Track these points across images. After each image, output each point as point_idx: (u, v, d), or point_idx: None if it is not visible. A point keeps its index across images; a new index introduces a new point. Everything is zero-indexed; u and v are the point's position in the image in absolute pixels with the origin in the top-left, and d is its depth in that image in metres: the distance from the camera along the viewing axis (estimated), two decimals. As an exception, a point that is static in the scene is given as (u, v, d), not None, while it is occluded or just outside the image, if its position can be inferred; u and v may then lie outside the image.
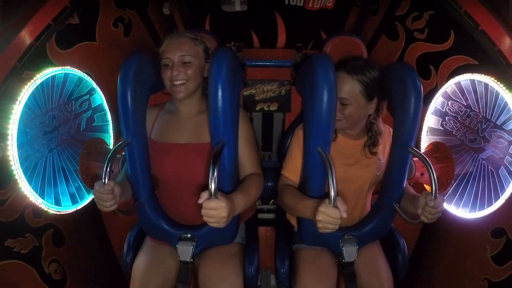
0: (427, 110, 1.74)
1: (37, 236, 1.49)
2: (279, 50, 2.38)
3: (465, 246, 1.64)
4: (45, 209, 1.42)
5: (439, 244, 1.85)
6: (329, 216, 1.14)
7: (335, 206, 1.13)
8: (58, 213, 1.49)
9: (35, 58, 1.36)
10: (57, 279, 1.57)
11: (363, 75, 1.34)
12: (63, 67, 1.48)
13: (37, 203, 1.38)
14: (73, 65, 1.55)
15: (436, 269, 1.83)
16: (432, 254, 1.91)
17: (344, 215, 1.14)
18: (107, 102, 1.79)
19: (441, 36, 1.63)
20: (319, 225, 1.17)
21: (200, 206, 1.14)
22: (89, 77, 1.66)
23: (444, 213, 1.58)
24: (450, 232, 1.73)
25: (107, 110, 1.81)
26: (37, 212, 1.46)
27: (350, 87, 1.34)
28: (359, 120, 1.42)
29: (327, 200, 1.15)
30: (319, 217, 1.15)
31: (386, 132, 1.51)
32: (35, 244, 1.47)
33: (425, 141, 1.80)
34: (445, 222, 1.66)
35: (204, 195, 1.13)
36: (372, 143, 1.46)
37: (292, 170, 1.48)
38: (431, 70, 1.73)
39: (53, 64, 1.45)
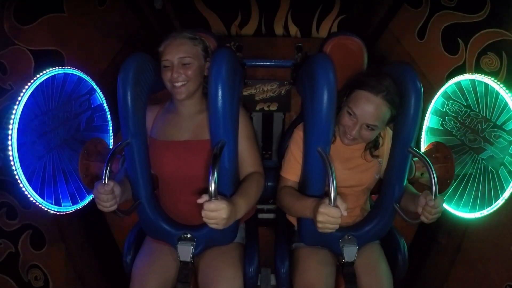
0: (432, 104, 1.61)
1: (13, 240, 1.35)
2: (278, 39, 2.32)
3: (484, 247, 1.55)
4: (45, 209, 1.42)
5: (450, 245, 1.76)
6: (329, 216, 1.13)
7: (335, 206, 1.13)
8: (58, 212, 1.48)
9: None
10: (37, 286, 1.43)
11: (395, 104, 1.28)
12: (55, 66, 1.41)
13: (37, 203, 1.37)
14: (40, 42, 1.38)
15: (447, 271, 1.75)
16: (441, 256, 1.83)
17: (345, 213, 1.14)
18: (89, 75, 1.59)
19: (474, 5, 1.44)
20: (320, 225, 1.16)
21: (200, 206, 1.14)
22: (76, 71, 1.51)
23: (447, 214, 1.57)
24: (466, 232, 1.65)
25: (107, 110, 1.80)
26: (12, 213, 1.34)
27: (383, 115, 1.28)
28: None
29: (326, 200, 1.14)
30: (320, 218, 1.15)
31: (386, 134, 1.51)
32: (10, 250, 1.34)
33: (425, 141, 1.80)
34: (449, 222, 1.64)
35: (205, 196, 1.13)
36: (374, 146, 1.46)
37: (292, 171, 1.48)
38: (460, 44, 1.54)
39: (13, 43, 1.29)
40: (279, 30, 2.36)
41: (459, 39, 1.55)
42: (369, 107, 1.26)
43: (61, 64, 1.51)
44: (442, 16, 1.61)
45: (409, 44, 1.93)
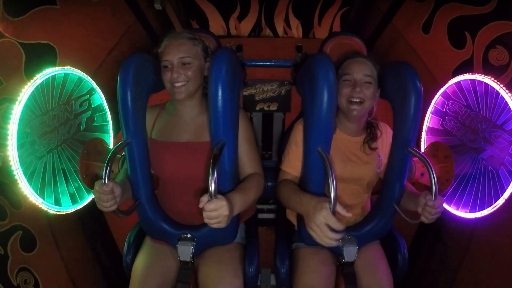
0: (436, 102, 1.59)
1: (2, 242, 1.30)
2: (279, 39, 2.28)
3: (493, 248, 1.51)
4: (45, 209, 1.42)
5: (456, 247, 1.72)
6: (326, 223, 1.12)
7: (335, 208, 1.12)
8: (58, 212, 1.48)
9: None
10: None
11: (377, 63, 1.43)
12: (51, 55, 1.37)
13: (38, 203, 1.37)
14: (31, 35, 1.33)
15: (454, 274, 1.71)
16: (447, 259, 1.78)
17: (343, 212, 1.13)
18: (93, 80, 1.55)
19: None
20: (313, 234, 1.15)
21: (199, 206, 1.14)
22: (72, 70, 1.46)
23: (447, 213, 1.56)
24: (473, 233, 1.62)
25: (107, 110, 1.81)
26: (2, 213, 1.29)
27: (371, 69, 1.39)
28: (370, 106, 1.42)
29: (327, 204, 1.12)
30: (317, 221, 1.13)
31: (386, 132, 1.51)
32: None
33: (425, 141, 1.80)
34: (451, 223, 1.63)
35: (204, 199, 1.12)
36: (371, 138, 1.47)
37: (292, 165, 1.48)
38: (467, 38, 1.49)
39: (2, 36, 1.24)
40: (279, 24, 2.24)
41: (466, 32, 1.49)
42: (359, 64, 1.40)
43: (53, 58, 1.45)
44: (448, 8, 1.56)
45: (413, 39, 1.88)
